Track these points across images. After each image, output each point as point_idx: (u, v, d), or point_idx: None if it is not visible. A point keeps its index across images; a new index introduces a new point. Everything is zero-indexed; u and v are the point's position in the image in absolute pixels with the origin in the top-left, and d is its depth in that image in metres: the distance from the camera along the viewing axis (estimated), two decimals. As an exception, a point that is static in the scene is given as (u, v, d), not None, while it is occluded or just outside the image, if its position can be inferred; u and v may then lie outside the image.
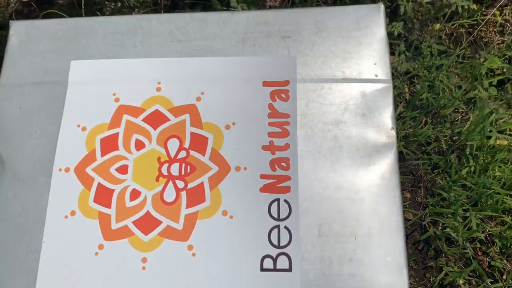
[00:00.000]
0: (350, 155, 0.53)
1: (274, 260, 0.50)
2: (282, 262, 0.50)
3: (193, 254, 0.51)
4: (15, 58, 0.61)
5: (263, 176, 0.53)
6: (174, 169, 0.54)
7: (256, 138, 0.54)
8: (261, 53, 0.58)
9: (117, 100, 0.57)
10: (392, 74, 1.05)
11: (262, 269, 0.50)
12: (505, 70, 1.11)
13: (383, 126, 0.54)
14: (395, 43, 1.11)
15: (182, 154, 0.55)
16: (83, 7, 0.94)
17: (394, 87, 1.07)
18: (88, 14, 1.03)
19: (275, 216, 0.51)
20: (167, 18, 0.61)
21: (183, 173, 0.54)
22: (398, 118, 1.05)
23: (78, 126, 0.57)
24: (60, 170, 0.55)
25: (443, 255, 0.97)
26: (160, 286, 0.50)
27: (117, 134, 0.56)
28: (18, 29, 0.62)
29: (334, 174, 0.53)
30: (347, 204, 0.51)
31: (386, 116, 0.55)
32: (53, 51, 0.61)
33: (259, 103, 0.56)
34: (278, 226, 0.51)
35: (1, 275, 0.51)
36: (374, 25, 0.59)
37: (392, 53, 1.11)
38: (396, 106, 1.06)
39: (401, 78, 1.08)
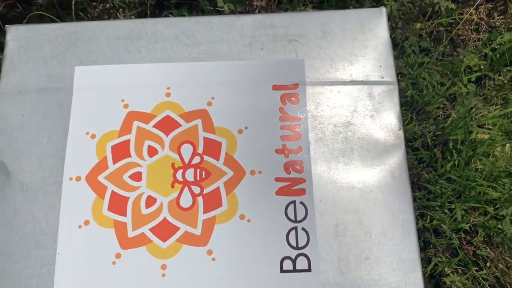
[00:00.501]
0: (361, 156, 0.55)
1: (294, 261, 0.51)
2: (302, 263, 0.51)
3: (213, 259, 0.51)
4: (15, 64, 0.59)
5: (278, 179, 0.54)
6: (189, 174, 0.54)
7: (269, 142, 0.55)
8: (268, 57, 0.59)
9: (126, 106, 0.57)
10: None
11: (282, 271, 0.51)
12: (482, 67, 1.16)
13: (390, 127, 0.56)
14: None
15: (196, 159, 0.55)
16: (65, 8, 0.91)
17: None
18: (70, 14, 1.00)
19: (292, 218, 0.52)
20: (171, 22, 0.61)
21: (198, 178, 0.54)
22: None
23: (87, 133, 0.56)
24: (71, 179, 0.54)
25: (432, 246, 1.01)
26: (181, 292, 0.50)
27: (128, 141, 0.55)
28: (16, 33, 0.60)
29: (347, 175, 0.54)
30: (361, 204, 0.53)
31: (393, 117, 0.57)
32: (55, 57, 0.59)
33: (270, 107, 0.56)
34: (295, 228, 0.52)
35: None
36: (378, 29, 0.60)
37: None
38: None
39: (386, 76, 1.11)
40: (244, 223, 0.52)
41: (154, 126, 0.56)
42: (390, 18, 1.13)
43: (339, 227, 0.52)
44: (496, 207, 1.03)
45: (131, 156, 0.55)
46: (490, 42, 1.18)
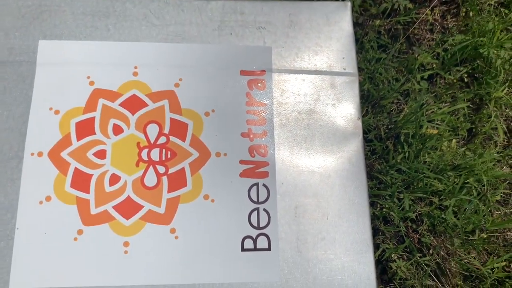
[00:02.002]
0: (321, 143, 0.58)
1: (254, 241, 0.53)
2: (262, 242, 0.53)
3: (176, 237, 0.52)
4: (-26, 34, 0.57)
5: (242, 162, 0.56)
6: (155, 154, 0.55)
7: (235, 125, 0.57)
8: (237, 42, 0.60)
9: (91, 83, 0.56)
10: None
11: (243, 249, 0.53)
12: (434, 65, 1.23)
13: (350, 116, 0.59)
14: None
15: (162, 139, 0.55)
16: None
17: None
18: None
19: (255, 199, 0.54)
20: (141, 1, 0.61)
21: (163, 158, 0.55)
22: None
23: (51, 109, 0.55)
24: (33, 154, 0.53)
25: (381, 233, 1.06)
26: (143, 269, 0.51)
27: (93, 119, 0.55)
28: (-25, 2, 0.57)
29: (308, 160, 0.57)
30: (320, 187, 0.56)
31: (353, 107, 0.60)
32: (17, 29, 0.57)
33: (237, 92, 0.58)
34: (257, 209, 0.54)
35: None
36: (342, 22, 0.63)
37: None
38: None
39: (345, 69, 1.15)
40: (208, 203, 0.54)
41: (120, 105, 0.56)
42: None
43: (299, 209, 0.55)
44: (440, 198, 1.10)
45: (95, 134, 0.54)
46: (443, 43, 1.24)
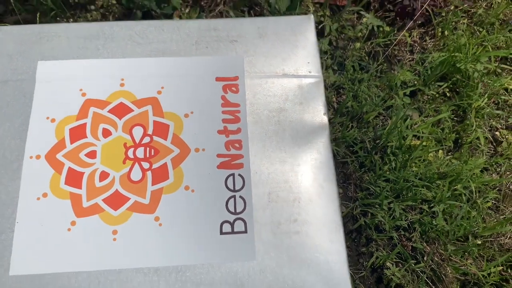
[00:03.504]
0: (291, 136, 0.64)
1: (232, 225, 0.58)
2: (239, 226, 0.58)
3: (160, 224, 0.57)
4: (-18, 59, 0.65)
5: (219, 156, 0.61)
6: (140, 152, 0.61)
7: (212, 124, 0.63)
8: (212, 54, 0.68)
9: (84, 94, 0.64)
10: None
11: (222, 233, 0.58)
12: (415, 82, 1.30)
13: (317, 112, 0.66)
14: (323, 58, 1.25)
15: (146, 139, 0.62)
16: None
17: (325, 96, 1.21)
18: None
19: (231, 188, 0.60)
20: (126, 24, 0.69)
21: (148, 155, 0.61)
22: (330, 123, 1.18)
23: (47, 118, 0.62)
24: (31, 157, 0.60)
25: (374, 242, 1.09)
26: (130, 254, 0.56)
27: (85, 124, 0.62)
28: (-16, 33, 0.66)
29: (279, 152, 0.62)
30: (291, 175, 0.61)
31: (319, 104, 0.66)
32: (20, 53, 0.66)
33: (213, 95, 0.65)
34: (234, 196, 0.59)
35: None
36: (307, 32, 0.71)
37: (321, 67, 1.25)
38: (327, 97, 1.20)
39: (329, 89, 1.23)
40: (188, 193, 0.59)
41: (109, 111, 0.63)
42: (331, 39, 1.26)
43: (272, 195, 0.60)
44: (431, 206, 1.13)
45: (87, 137, 0.61)
46: (423, 61, 1.32)
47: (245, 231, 0.58)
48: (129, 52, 0.67)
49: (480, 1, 1.41)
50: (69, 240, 0.56)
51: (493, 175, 1.23)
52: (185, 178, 0.60)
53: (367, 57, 1.31)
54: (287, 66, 0.68)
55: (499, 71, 1.33)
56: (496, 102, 1.33)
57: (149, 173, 0.60)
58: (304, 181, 0.61)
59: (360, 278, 1.05)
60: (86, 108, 0.63)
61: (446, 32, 1.34)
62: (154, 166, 0.60)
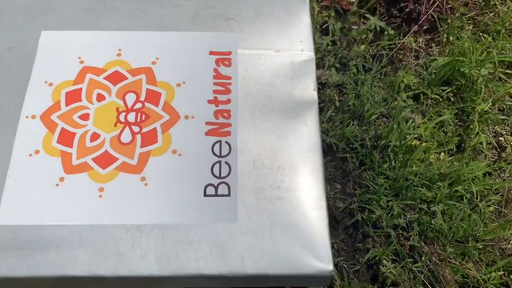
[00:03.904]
0: (280, 108, 0.65)
1: (216, 188, 0.59)
2: (222, 189, 0.59)
3: (146, 184, 0.59)
4: (-10, 27, 0.69)
5: (208, 123, 0.63)
6: (131, 117, 0.63)
7: (202, 94, 0.65)
8: (208, 30, 0.70)
9: (82, 62, 0.66)
10: (324, 84, 1.21)
11: (205, 195, 0.59)
12: (419, 85, 1.30)
13: (306, 88, 0.67)
14: (326, 57, 1.27)
15: (138, 105, 0.64)
16: None
17: (327, 94, 1.22)
18: None
19: (218, 153, 0.61)
20: (127, 1, 0.72)
21: (138, 120, 0.63)
22: (329, 121, 1.19)
23: (46, 82, 0.65)
24: (27, 117, 0.62)
25: (370, 239, 1.08)
26: (115, 211, 0.57)
27: (80, 89, 0.64)
28: (-6, 3, 0.70)
29: (267, 122, 0.64)
30: (276, 145, 0.62)
31: (310, 81, 0.67)
32: (25, 22, 0.70)
33: (206, 67, 0.67)
34: (220, 162, 0.61)
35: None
36: (301, 13, 0.73)
37: (322, 65, 1.27)
38: (328, 95, 1.21)
39: (332, 88, 1.24)
40: (175, 156, 0.61)
41: (104, 78, 0.65)
42: (334, 37, 1.28)
43: (257, 162, 0.61)
44: (430, 206, 1.12)
45: (81, 101, 0.64)
46: (427, 66, 1.33)
47: (228, 195, 0.59)
48: (128, 25, 0.70)
49: (486, 9, 1.42)
50: (56, 195, 0.58)
51: (497, 180, 1.22)
52: (173, 143, 0.61)
53: (371, 59, 1.32)
54: (280, 44, 0.70)
55: (505, 77, 1.32)
56: (501, 108, 1.32)
57: (138, 136, 0.61)
58: (289, 151, 0.62)
59: (354, 272, 1.03)
60: (83, 74, 0.65)
61: (451, 38, 1.35)
62: (144, 130, 0.62)
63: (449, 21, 1.37)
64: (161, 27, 0.70)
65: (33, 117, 0.62)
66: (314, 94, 0.67)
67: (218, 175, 0.60)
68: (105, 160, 0.60)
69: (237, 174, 0.60)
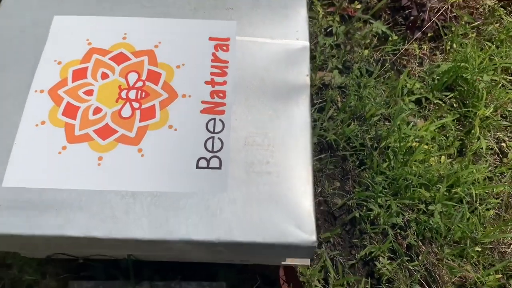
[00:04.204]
0: (273, 91, 0.68)
1: (208, 161, 0.62)
2: (214, 162, 0.62)
3: (142, 155, 0.62)
4: (9, 10, 0.74)
5: (203, 102, 0.67)
6: (132, 94, 0.67)
7: (200, 75, 0.69)
8: (208, 18, 0.74)
9: (89, 43, 0.71)
10: (327, 85, 1.24)
11: (198, 167, 0.62)
12: (422, 91, 1.32)
13: (300, 73, 0.70)
14: (329, 60, 1.31)
15: (139, 84, 0.68)
16: None
17: (329, 95, 1.25)
18: None
19: (211, 130, 0.65)
20: (136, -8, 0.77)
21: (139, 97, 0.67)
22: (330, 120, 1.21)
23: (55, 60, 0.69)
24: (36, 91, 0.67)
25: (368, 236, 1.09)
26: (112, 178, 0.61)
27: (86, 67, 0.69)
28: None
29: (261, 103, 0.67)
30: (268, 124, 0.65)
31: (304, 67, 0.71)
32: (40, 7, 0.75)
33: (205, 52, 0.71)
34: (213, 137, 0.64)
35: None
36: (297, 6, 0.77)
37: (326, 67, 1.31)
38: (330, 96, 1.24)
39: (334, 89, 1.27)
40: (171, 131, 0.64)
41: (109, 59, 0.70)
42: (338, 43, 1.32)
43: (248, 139, 0.64)
44: (428, 206, 1.13)
45: (87, 78, 0.68)
46: (431, 72, 1.35)
47: (220, 168, 0.62)
48: (134, 12, 0.75)
49: (491, 19, 1.44)
50: (58, 161, 0.62)
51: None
52: (170, 119, 0.65)
53: (374, 63, 1.35)
54: (276, 32, 0.74)
55: (508, 85, 1.34)
56: (503, 115, 1.33)
57: (138, 112, 0.65)
58: (280, 130, 0.65)
59: (350, 267, 1.05)
60: (89, 55, 0.70)
61: (454, 45, 1.37)
62: (143, 106, 0.66)
63: (453, 29, 1.40)
64: (164, 15, 0.75)
65: (41, 91, 0.67)
66: (307, 79, 0.70)
67: (210, 149, 0.63)
68: (105, 132, 0.64)
69: (229, 149, 0.63)
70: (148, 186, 0.60)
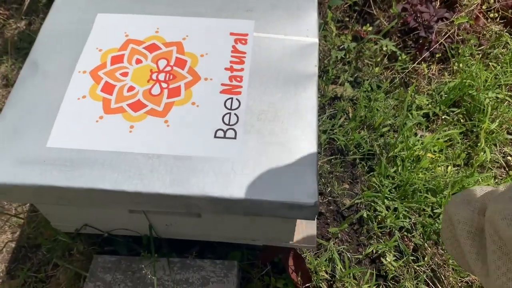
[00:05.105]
0: (284, 77, 0.77)
1: (224, 132, 0.71)
2: (230, 133, 0.71)
3: (168, 125, 0.72)
4: (60, 9, 0.87)
5: (223, 84, 0.76)
6: (161, 76, 0.77)
7: (221, 63, 0.79)
8: (230, 18, 0.85)
9: (127, 35, 0.82)
10: (339, 98, 1.33)
11: (215, 137, 0.70)
12: (430, 106, 1.39)
13: (309, 64, 0.79)
14: (341, 72, 1.40)
15: (168, 68, 0.78)
16: None
17: (341, 105, 1.34)
18: None
19: (229, 107, 0.74)
20: (169, -4, 0.89)
21: (167, 79, 0.77)
22: (340, 128, 1.29)
23: (97, 48, 0.81)
24: (79, 72, 0.78)
25: (375, 235, 1.14)
26: (140, 143, 0.70)
27: (123, 54, 0.80)
28: (63, -8, 0.89)
29: (273, 87, 0.76)
30: (278, 104, 0.74)
31: (312, 58, 0.80)
32: (87, 7, 0.87)
33: (226, 44, 0.81)
34: (230, 113, 0.73)
35: (21, 128, 0.71)
36: (309, 10, 0.87)
37: (337, 81, 1.40)
38: (342, 106, 1.32)
39: (346, 100, 1.35)
40: (194, 107, 0.74)
41: (143, 48, 0.81)
42: (350, 60, 1.41)
43: (261, 115, 0.73)
44: (434, 210, 1.18)
45: (123, 63, 0.79)
46: (439, 91, 1.43)
47: (235, 138, 0.70)
48: (166, 12, 0.86)
49: (497, 43, 1.53)
50: (95, 128, 0.71)
51: (504, 196, 1.26)
52: (193, 97, 0.74)
53: (384, 80, 1.44)
54: (290, 30, 0.84)
55: (512, 101, 1.40)
56: (510, 131, 1.39)
57: (166, 90, 0.75)
58: (289, 110, 0.73)
59: (357, 263, 1.09)
60: (126, 44, 0.81)
61: (461, 65, 1.45)
62: (171, 86, 0.76)
63: (460, 50, 1.48)
64: (192, 14, 0.86)
65: (84, 72, 0.78)
66: (315, 69, 0.79)
67: (227, 123, 0.72)
68: (137, 106, 0.74)
69: (244, 123, 0.72)
70: (171, 150, 0.69)
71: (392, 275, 1.08)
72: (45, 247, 1.04)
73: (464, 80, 1.37)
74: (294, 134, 0.71)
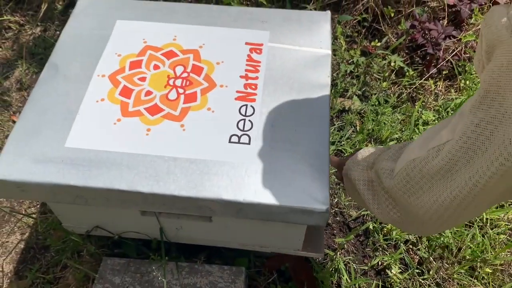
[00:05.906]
0: (298, 86, 0.79)
1: (239, 138, 0.73)
2: (244, 139, 0.72)
3: (184, 130, 0.73)
4: (81, 15, 0.89)
5: (238, 91, 0.78)
6: (178, 82, 0.79)
7: (236, 71, 0.81)
8: (246, 28, 0.88)
9: (145, 42, 0.85)
10: (347, 110, 1.35)
11: (230, 142, 0.72)
12: (436, 121, 1.41)
13: (322, 74, 0.81)
14: (349, 86, 1.42)
15: (185, 75, 0.80)
16: None
17: (349, 118, 1.36)
18: None
19: (243, 113, 0.75)
20: (187, 5, 0.92)
21: (184, 85, 0.79)
22: (348, 140, 1.31)
23: (116, 53, 0.83)
24: (98, 75, 0.80)
25: (381, 248, 1.15)
26: (157, 145, 0.71)
27: (141, 60, 0.82)
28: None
29: (287, 94, 0.78)
30: (291, 111, 0.76)
31: (325, 69, 0.82)
32: (107, 14, 0.90)
33: (241, 53, 0.83)
34: (244, 119, 0.75)
35: (41, 128, 0.73)
36: (322, 21, 0.89)
37: (345, 94, 1.42)
38: (349, 118, 1.34)
39: (354, 113, 1.37)
40: (209, 112, 0.75)
41: (161, 54, 0.83)
42: (358, 74, 1.44)
43: (275, 122, 0.75)
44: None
45: (141, 68, 0.81)
46: (446, 107, 1.45)
47: (249, 143, 0.72)
48: (184, 21, 0.89)
49: (503, 62, 1.55)
50: (113, 130, 0.73)
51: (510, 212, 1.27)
52: (208, 103, 0.76)
53: (392, 95, 1.46)
54: (303, 41, 0.86)
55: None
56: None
57: (182, 96, 0.77)
58: (302, 115, 0.75)
59: (362, 274, 1.10)
60: (145, 50, 0.83)
61: (468, 82, 1.47)
62: (187, 92, 0.78)
63: (466, 68, 1.51)
64: (209, 24, 0.88)
65: (103, 76, 0.80)
66: (328, 79, 0.81)
67: (242, 128, 0.74)
68: (154, 110, 0.75)
69: (257, 129, 0.74)
70: (187, 154, 0.71)
71: (397, 287, 1.09)
72: (54, 249, 1.05)
73: (470, 95, 1.39)
74: (306, 142, 0.73)
